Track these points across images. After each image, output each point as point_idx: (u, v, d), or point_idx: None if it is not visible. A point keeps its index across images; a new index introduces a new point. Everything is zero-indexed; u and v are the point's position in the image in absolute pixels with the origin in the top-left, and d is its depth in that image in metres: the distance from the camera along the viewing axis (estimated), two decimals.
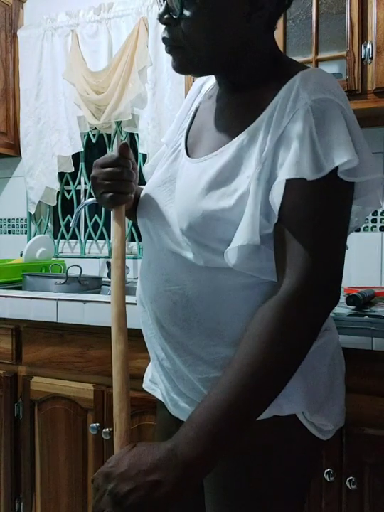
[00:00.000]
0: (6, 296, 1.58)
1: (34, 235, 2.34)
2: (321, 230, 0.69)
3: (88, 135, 2.26)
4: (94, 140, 2.27)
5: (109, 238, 2.24)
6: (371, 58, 1.42)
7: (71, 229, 2.27)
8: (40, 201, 2.30)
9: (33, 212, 2.34)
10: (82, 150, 2.23)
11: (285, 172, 0.69)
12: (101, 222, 2.26)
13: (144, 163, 2.07)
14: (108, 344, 0.82)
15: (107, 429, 1.42)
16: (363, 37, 1.43)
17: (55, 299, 1.50)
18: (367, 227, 1.79)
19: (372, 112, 1.48)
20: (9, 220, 2.45)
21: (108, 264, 2.15)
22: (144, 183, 0.95)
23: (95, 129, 2.23)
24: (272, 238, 0.73)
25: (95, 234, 2.28)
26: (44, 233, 2.37)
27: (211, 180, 0.75)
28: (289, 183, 0.69)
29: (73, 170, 2.26)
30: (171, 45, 0.78)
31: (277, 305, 0.67)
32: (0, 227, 2.47)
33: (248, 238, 0.70)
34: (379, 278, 1.76)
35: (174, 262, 0.81)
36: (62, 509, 1.54)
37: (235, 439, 0.66)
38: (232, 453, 0.77)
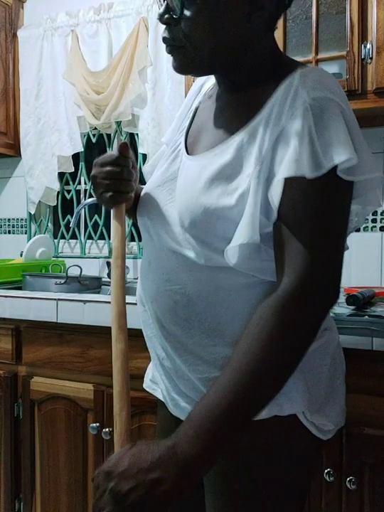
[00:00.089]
0: (6, 296, 1.58)
1: (34, 235, 2.34)
2: (320, 228, 0.69)
3: (88, 135, 2.26)
4: (94, 140, 2.27)
5: (109, 238, 2.24)
6: (371, 58, 1.42)
7: (71, 229, 2.27)
8: (40, 201, 2.30)
9: (33, 212, 2.34)
10: (82, 150, 2.23)
11: (284, 170, 0.69)
12: (101, 222, 2.26)
13: (143, 163, 2.07)
14: (108, 344, 0.82)
15: (107, 429, 1.42)
16: (363, 37, 1.44)
17: (55, 299, 1.50)
18: (367, 227, 1.79)
19: (372, 111, 1.48)
20: (9, 220, 2.45)
21: (108, 264, 2.15)
22: (144, 183, 0.95)
23: (95, 129, 2.23)
24: (272, 237, 0.73)
25: (95, 234, 2.28)
26: (44, 233, 2.37)
27: (212, 177, 0.75)
28: (288, 181, 0.69)
29: (73, 170, 2.26)
30: (172, 45, 0.78)
31: (276, 304, 0.67)
32: (0, 227, 2.47)
33: (248, 237, 0.70)
34: (379, 278, 1.76)
35: (175, 261, 0.81)
36: (62, 509, 1.54)
37: (234, 437, 0.66)
38: (233, 452, 0.78)
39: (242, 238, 0.70)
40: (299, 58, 1.43)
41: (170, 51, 0.79)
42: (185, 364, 0.82)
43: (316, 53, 1.50)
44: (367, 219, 1.78)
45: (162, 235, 0.83)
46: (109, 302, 0.83)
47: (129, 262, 2.10)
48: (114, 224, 0.89)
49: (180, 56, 0.78)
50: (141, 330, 0.92)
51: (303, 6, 1.54)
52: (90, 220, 2.29)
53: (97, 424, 1.45)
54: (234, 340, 0.75)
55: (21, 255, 2.19)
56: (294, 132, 0.69)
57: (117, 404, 0.73)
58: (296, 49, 1.55)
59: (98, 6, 2.11)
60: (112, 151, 0.88)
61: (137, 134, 2.11)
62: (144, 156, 2.08)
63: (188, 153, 0.84)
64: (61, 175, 2.29)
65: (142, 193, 0.91)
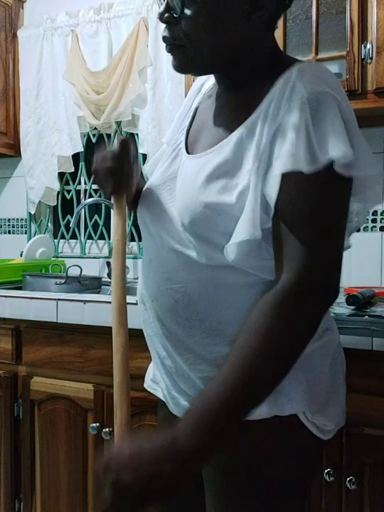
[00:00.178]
0: (6, 296, 1.58)
1: (34, 235, 2.34)
2: (319, 224, 0.69)
3: (88, 135, 2.26)
4: (94, 140, 2.27)
5: (109, 238, 2.24)
6: (371, 58, 1.42)
7: (71, 229, 2.27)
8: (40, 201, 2.30)
9: (33, 212, 2.34)
10: (82, 150, 2.23)
11: (280, 165, 0.69)
12: (101, 222, 2.26)
13: (144, 163, 2.07)
14: (108, 344, 0.82)
15: (107, 429, 1.42)
16: (363, 37, 1.44)
17: (55, 299, 1.50)
18: (367, 227, 1.79)
19: (372, 111, 1.48)
20: (9, 220, 2.45)
21: (108, 264, 2.15)
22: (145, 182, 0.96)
23: (95, 129, 2.23)
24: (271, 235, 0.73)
25: (95, 234, 2.28)
26: (44, 233, 2.37)
27: (210, 174, 0.75)
28: (285, 176, 0.69)
29: (73, 170, 2.26)
30: (172, 44, 0.78)
31: (275, 300, 0.67)
32: (0, 227, 2.47)
33: (249, 233, 0.70)
34: (379, 278, 1.76)
35: (175, 260, 0.81)
36: (62, 509, 1.54)
37: (232, 432, 0.66)
38: (234, 452, 0.78)
39: (243, 235, 0.70)
40: (298, 58, 1.44)
41: (170, 50, 0.79)
42: (185, 363, 0.82)
43: (316, 53, 1.50)
44: (367, 219, 1.78)
45: (162, 234, 0.83)
46: (110, 302, 0.83)
47: (129, 262, 2.10)
48: (114, 218, 0.91)
49: (180, 55, 0.78)
50: (141, 330, 0.92)
51: (303, 6, 1.53)
52: (90, 220, 2.29)
53: (97, 424, 1.45)
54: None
55: (21, 255, 2.19)
56: (290, 126, 0.69)
57: (117, 396, 0.73)
58: (296, 49, 1.55)
59: (98, 6, 2.11)
60: (113, 146, 0.89)
61: (137, 134, 2.10)
62: (144, 156, 2.08)
63: (188, 153, 0.85)
64: (61, 175, 2.29)
65: (143, 193, 0.91)
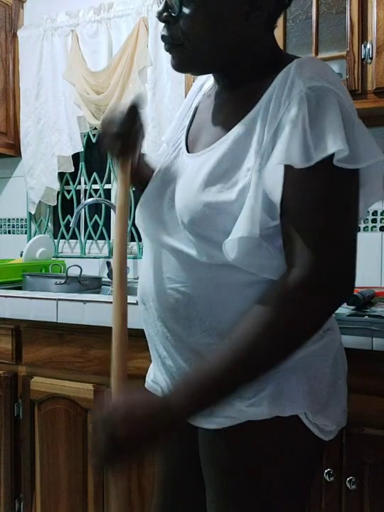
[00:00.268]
0: (6, 296, 1.58)
1: (34, 235, 2.34)
2: (325, 218, 0.69)
3: (88, 135, 2.26)
4: (94, 140, 2.27)
5: (109, 238, 2.24)
6: (371, 58, 1.42)
7: (71, 229, 2.27)
8: (40, 201, 2.30)
9: (33, 213, 2.34)
10: (82, 150, 2.23)
11: (275, 160, 0.69)
12: (101, 222, 2.26)
13: None
14: (108, 344, 0.82)
15: None
16: (363, 37, 1.43)
17: (55, 299, 1.50)
18: (367, 227, 1.79)
19: (372, 111, 1.48)
20: (9, 220, 2.45)
21: (108, 264, 2.15)
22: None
23: (95, 129, 2.23)
24: (274, 234, 0.73)
25: (95, 234, 2.28)
26: (44, 233, 2.37)
27: (210, 173, 0.75)
28: (287, 172, 0.69)
29: (73, 170, 2.26)
30: (170, 43, 0.78)
31: (283, 290, 0.70)
32: (0, 227, 2.47)
33: (248, 230, 0.70)
34: (379, 278, 1.76)
35: (176, 259, 0.81)
36: (62, 509, 1.54)
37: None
38: (235, 452, 0.78)
39: (242, 231, 0.70)
40: None
41: (169, 49, 0.79)
42: (186, 362, 0.82)
43: (316, 53, 1.50)
44: (367, 219, 1.78)
45: (163, 234, 0.83)
46: (110, 302, 0.83)
47: (129, 262, 2.10)
48: (117, 184, 0.89)
49: (179, 54, 0.78)
50: (141, 330, 0.92)
51: (303, 6, 1.54)
52: (90, 220, 2.29)
53: None
54: None
55: (21, 255, 2.19)
56: (289, 123, 0.69)
57: (115, 353, 0.77)
58: (296, 49, 1.55)
59: (98, 6, 2.11)
60: (121, 110, 0.88)
61: None
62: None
63: (188, 152, 0.85)
64: (61, 175, 2.29)
65: (143, 192, 0.91)
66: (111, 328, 0.80)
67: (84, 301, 1.46)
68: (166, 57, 1.93)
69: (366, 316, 1.16)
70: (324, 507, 1.19)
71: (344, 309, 1.24)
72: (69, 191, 2.34)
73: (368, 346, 1.12)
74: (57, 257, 2.33)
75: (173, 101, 1.97)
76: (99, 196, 2.25)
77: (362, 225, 1.79)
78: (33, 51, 2.25)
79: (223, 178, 0.74)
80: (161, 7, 0.76)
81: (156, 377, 0.94)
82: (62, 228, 2.35)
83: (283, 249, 0.73)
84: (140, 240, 2.13)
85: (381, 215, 1.77)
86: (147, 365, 1.00)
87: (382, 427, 1.14)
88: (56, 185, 2.26)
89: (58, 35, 2.19)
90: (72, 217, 2.11)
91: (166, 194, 0.84)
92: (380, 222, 1.78)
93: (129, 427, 0.66)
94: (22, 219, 2.41)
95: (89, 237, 2.30)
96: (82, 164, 2.29)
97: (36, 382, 1.56)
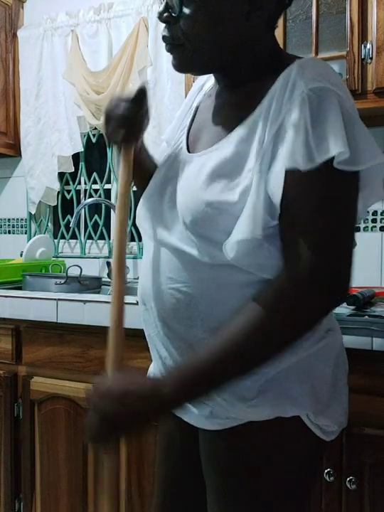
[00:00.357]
0: (6, 296, 1.58)
1: (34, 235, 2.34)
2: (324, 219, 0.69)
3: (88, 135, 2.26)
4: (94, 140, 2.27)
5: (109, 238, 2.24)
6: (371, 58, 1.42)
7: (71, 229, 2.27)
8: (40, 201, 2.30)
9: (33, 213, 2.34)
10: (82, 150, 2.23)
11: (280, 163, 0.69)
12: (101, 222, 2.26)
13: None
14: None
15: None
16: (363, 37, 1.43)
17: (55, 299, 1.50)
18: (367, 227, 1.79)
19: (372, 111, 1.48)
20: (9, 220, 2.45)
21: (108, 264, 2.15)
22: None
23: (95, 129, 2.23)
24: (274, 234, 0.73)
25: (95, 234, 2.28)
26: (44, 233, 2.37)
27: (212, 173, 0.75)
28: (288, 174, 0.69)
29: (73, 170, 2.26)
30: (171, 43, 0.78)
31: (279, 287, 0.70)
32: (0, 227, 2.47)
33: (250, 231, 0.70)
34: (379, 278, 1.76)
35: (177, 259, 0.80)
36: (62, 509, 1.54)
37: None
38: (235, 453, 0.78)
39: (243, 233, 0.71)
40: None
41: (169, 49, 0.79)
42: None
43: (316, 53, 1.50)
44: (367, 219, 1.78)
45: (164, 234, 0.83)
46: (110, 302, 0.83)
47: (129, 262, 2.10)
48: (120, 171, 0.88)
49: (180, 54, 0.78)
50: (141, 330, 0.92)
51: (303, 6, 1.54)
52: (90, 220, 2.29)
53: None
54: None
55: (21, 255, 2.19)
56: (291, 124, 0.69)
57: (112, 334, 0.82)
58: (296, 49, 1.55)
59: (98, 6, 2.11)
60: (129, 94, 0.87)
61: None
62: None
63: (189, 152, 0.85)
64: (61, 175, 2.29)
65: (144, 192, 0.91)
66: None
67: (84, 301, 1.46)
68: (166, 57, 1.93)
69: (366, 316, 1.16)
70: (324, 507, 1.19)
71: (344, 309, 1.24)
72: (69, 191, 2.34)
73: (367, 346, 1.12)
74: (57, 257, 2.33)
75: (173, 101, 1.97)
76: (99, 196, 2.25)
77: (362, 225, 1.79)
78: (33, 51, 2.25)
79: (225, 178, 0.74)
80: (161, 7, 0.76)
81: None
82: (62, 228, 2.35)
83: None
84: (140, 239, 2.13)
85: (381, 215, 1.77)
86: (147, 365, 1.00)
87: (382, 427, 1.14)
88: (56, 185, 2.26)
89: (58, 35, 2.19)
90: (72, 217, 2.11)
91: (166, 194, 0.84)
92: (380, 222, 1.78)
93: (121, 406, 0.69)
94: (22, 219, 2.41)
95: (89, 237, 2.30)
96: (82, 164, 2.29)
97: (36, 382, 1.56)
